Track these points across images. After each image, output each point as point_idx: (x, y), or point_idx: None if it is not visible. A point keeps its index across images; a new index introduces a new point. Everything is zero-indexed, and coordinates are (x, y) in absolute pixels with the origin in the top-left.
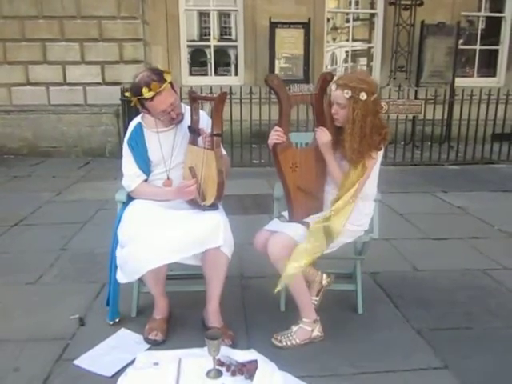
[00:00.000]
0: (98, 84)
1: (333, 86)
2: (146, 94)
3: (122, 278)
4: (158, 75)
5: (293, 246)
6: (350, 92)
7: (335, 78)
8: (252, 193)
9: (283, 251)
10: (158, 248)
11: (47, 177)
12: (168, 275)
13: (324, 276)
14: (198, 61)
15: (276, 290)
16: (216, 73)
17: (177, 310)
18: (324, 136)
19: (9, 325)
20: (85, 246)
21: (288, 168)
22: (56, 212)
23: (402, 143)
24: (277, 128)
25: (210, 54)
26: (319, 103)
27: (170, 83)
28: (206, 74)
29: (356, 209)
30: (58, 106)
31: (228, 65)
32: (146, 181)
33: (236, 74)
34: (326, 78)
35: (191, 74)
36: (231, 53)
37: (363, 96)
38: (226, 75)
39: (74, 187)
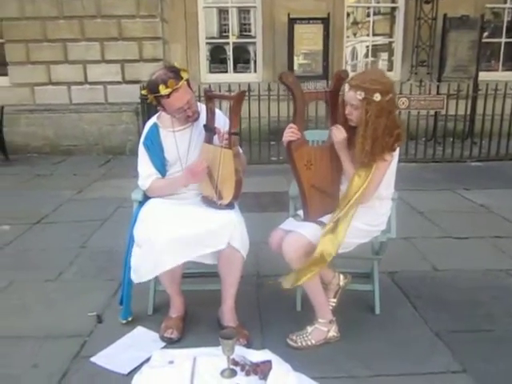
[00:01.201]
0: (118, 83)
1: (346, 87)
2: (163, 91)
3: (136, 278)
4: (175, 73)
5: (307, 246)
6: (363, 93)
7: (348, 78)
8: (270, 190)
9: (298, 251)
10: (174, 248)
11: (69, 175)
12: (184, 273)
13: (341, 277)
14: (217, 58)
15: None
16: (235, 70)
17: (192, 309)
18: (339, 134)
19: (29, 321)
20: (104, 244)
21: (302, 166)
22: (76, 210)
23: (424, 139)
24: (291, 125)
25: (229, 51)
26: (334, 101)
27: (187, 81)
28: (225, 71)
29: (372, 209)
30: (79, 104)
31: (247, 62)
32: None
33: (255, 70)
34: (341, 76)
35: (210, 71)
36: (250, 49)
37: (377, 97)
38: (245, 72)
39: (95, 185)
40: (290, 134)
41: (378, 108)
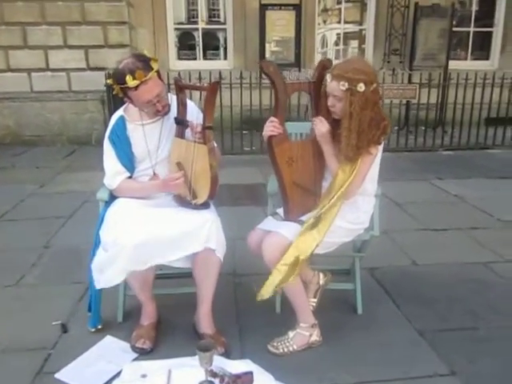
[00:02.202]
0: (82, 69)
1: (328, 77)
2: (130, 82)
3: (100, 282)
4: (144, 62)
5: (289, 247)
6: (346, 84)
7: (330, 69)
8: (244, 182)
9: (279, 253)
10: (143, 252)
11: (31, 167)
12: (156, 274)
13: (321, 276)
14: (185, 44)
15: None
16: (205, 57)
17: (166, 314)
18: (322, 127)
19: None
20: (69, 243)
21: (284, 162)
22: (39, 206)
23: (396, 128)
24: (272, 119)
25: (199, 37)
26: (317, 92)
27: (157, 72)
28: (194, 58)
29: (356, 206)
30: (41, 92)
31: (217, 48)
32: (130, 178)
33: (225, 57)
34: (325, 65)
35: (179, 58)
36: (220, 36)
37: (361, 87)
38: (215, 59)
39: (59, 178)
40: (271, 128)
41: (362, 99)
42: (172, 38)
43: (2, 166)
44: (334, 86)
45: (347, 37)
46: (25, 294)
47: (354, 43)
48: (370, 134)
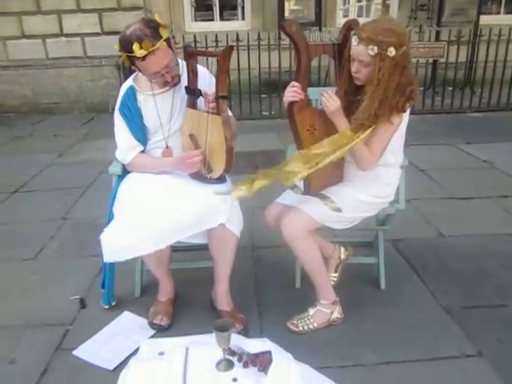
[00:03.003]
0: (97, 34)
1: (353, 40)
2: (137, 51)
3: (108, 255)
4: (153, 29)
5: (309, 224)
6: (375, 48)
7: (356, 30)
8: (262, 148)
9: (299, 231)
10: (158, 230)
11: (49, 136)
12: (172, 247)
13: (342, 250)
14: (202, 5)
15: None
16: (222, 17)
17: (183, 289)
18: (332, 103)
19: (5, 308)
20: (87, 215)
21: (305, 131)
22: (57, 176)
23: (422, 89)
24: (294, 83)
25: None
26: (342, 55)
27: (167, 40)
28: (211, 19)
29: (377, 178)
30: (57, 59)
31: (235, 8)
32: (143, 151)
33: (243, 18)
34: (351, 26)
35: (195, 19)
36: None
37: (391, 52)
38: (232, 19)
39: (77, 147)
40: (292, 93)
41: (391, 64)
42: None
43: (20, 135)
44: (361, 51)
45: None
46: (43, 267)
47: None
48: (393, 100)
